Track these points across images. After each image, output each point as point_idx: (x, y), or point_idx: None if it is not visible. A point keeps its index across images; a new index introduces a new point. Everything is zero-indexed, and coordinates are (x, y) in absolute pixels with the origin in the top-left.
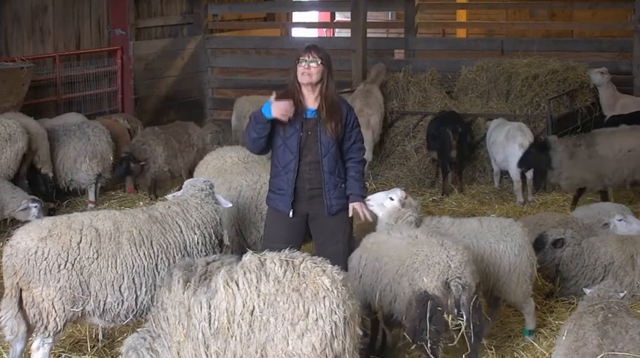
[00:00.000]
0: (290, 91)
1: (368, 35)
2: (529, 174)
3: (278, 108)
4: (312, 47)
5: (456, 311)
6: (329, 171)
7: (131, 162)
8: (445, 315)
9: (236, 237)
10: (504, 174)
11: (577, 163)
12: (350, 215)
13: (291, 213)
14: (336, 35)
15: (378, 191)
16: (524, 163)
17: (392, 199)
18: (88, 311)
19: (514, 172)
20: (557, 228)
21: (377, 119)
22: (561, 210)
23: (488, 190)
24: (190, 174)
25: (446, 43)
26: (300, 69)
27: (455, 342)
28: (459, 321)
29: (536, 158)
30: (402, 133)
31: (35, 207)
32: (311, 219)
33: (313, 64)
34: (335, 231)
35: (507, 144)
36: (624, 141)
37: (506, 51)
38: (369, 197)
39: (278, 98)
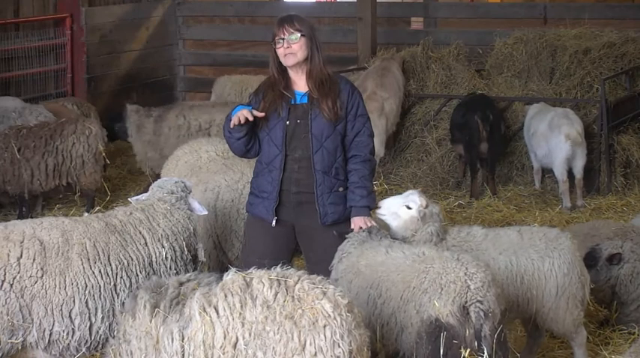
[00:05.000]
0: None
1: None
2: (578, 173)
3: (237, 115)
4: (286, 20)
5: (475, 344)
6: (322, 170)
7: None
8: (462, 349)
9: (214, 251)
10: (547, 172)
11: (142, 137)
12: (351, 230)
13: (273, 222)
14: (338, 0)
15: (391, 195)
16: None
17: (409, 208)
18: (31, 343)
19: (559, 170)
20: (613, 240)
21: (393, 105)
22: (618, 217)
23: (527, 192)
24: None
25: (475, 10)
26: (280, 50)
27: None
28: (479, 357)
29: (111, 129)
30: (420, 122)
31: None
32: (299, 232)
33: (294, 40)
34: (331, 247)
35: (551, 136)
36: (201, 116)
37: (549, 19)
38: (380, 203)
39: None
